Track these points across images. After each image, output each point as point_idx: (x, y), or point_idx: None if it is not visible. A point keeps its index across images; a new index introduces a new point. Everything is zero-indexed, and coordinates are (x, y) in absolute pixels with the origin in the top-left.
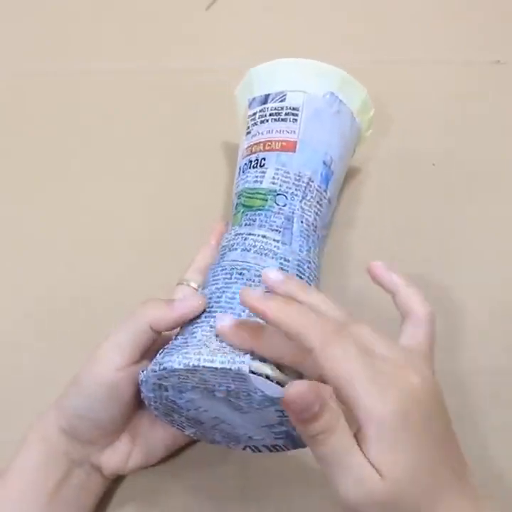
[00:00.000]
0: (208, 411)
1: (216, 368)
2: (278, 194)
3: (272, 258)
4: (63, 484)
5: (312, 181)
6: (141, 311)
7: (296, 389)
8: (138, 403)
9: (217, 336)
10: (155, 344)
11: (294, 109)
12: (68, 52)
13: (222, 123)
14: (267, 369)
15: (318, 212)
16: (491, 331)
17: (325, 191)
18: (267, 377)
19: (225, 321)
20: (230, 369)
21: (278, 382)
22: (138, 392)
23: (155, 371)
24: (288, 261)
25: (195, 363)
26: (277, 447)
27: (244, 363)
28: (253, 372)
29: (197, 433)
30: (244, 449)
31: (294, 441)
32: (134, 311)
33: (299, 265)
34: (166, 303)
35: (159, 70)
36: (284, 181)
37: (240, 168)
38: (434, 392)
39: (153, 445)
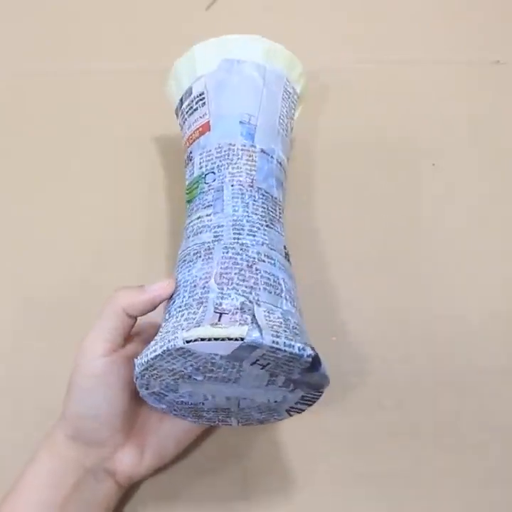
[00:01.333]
0: (215, 395)
1: (161, 354)
2: (206, 174)
3: (206, 232)
4: (75, 497)
5: (233, 145)
6: (114, 297)
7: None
8: (139, 397)
9: (165, 325)
10: (143, 334)
11: (200, 95)
12: (68, 52)
13: None
14: (198, 331)
15: (252, 168)
16: (491, 331)
17: (253, 146)
18: (202, 339)
19: None
20: (169, 349)
21: (216, 338)
22: (131, 379)
23: (135, 379)
24: (221, 226)
25: (144, 360)
26: (307, 397)
27: (178, 338)
28: (188, 342)
29: (240, 420)
30: (289, 414)
31: (303, 379)
32: (107, 299)
33: (234, 224)
34: (137, 287)
35: (159, 70)
36: (208, 160)
37: None
38: None
39: (165, 441)
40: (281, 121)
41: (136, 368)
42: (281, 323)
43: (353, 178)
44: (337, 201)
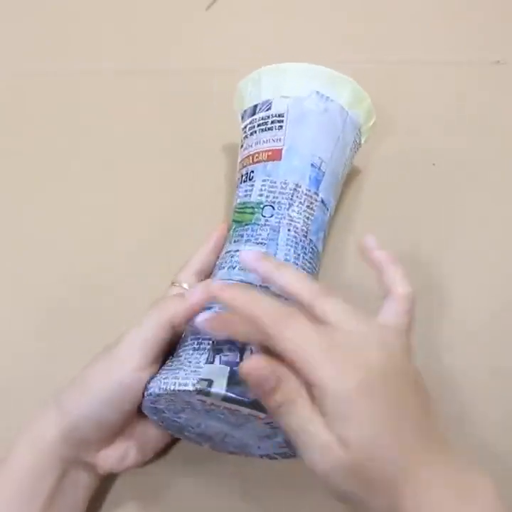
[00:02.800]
0: (208, 427)
1: (189, 391)
2: (265, 206)
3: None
4: (57, 488)
5: (299, 187)
6: (162, 307)
7: (250, 363)
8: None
9: (197, 357)
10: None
11: (279, 115)
12: (68, 52)
13: (223, 123)
14: (223, 381)
15: (310, 217)
16: (491, 331)
17: (316, 193)
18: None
19: (199, 316)
20: (197, 389)
21: (239, 394)
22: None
23: (144, 396)
24: None
25: (171, 388)
26: (287, 454)
27: (214, 385)
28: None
29: (214, 446)
30: (261, 457)
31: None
32: (152, 308)
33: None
34: (178, 296)
35: (159, 70)
36: (271, 192)
37: (236, 184)
38: (402, 368)
39: (148, 442)
40: (342, 173)
41: (156, 390)
42: None
43: (352, 178)
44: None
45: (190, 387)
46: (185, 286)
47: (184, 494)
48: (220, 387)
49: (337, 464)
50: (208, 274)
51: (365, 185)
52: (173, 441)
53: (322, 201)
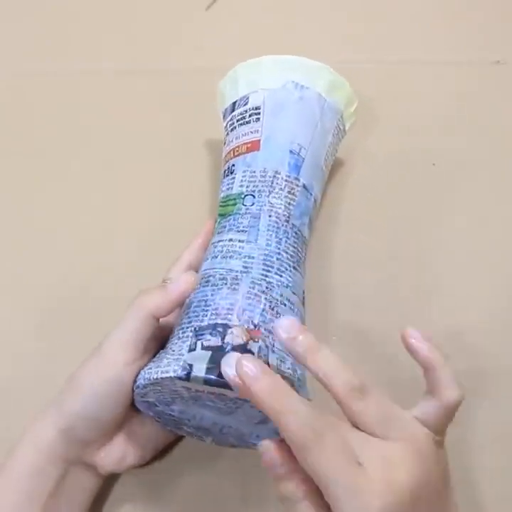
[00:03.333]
0: (203, 418)
1: (170, 377)
2: (246, 195)
3: (236, 259)
4: (59, 488)
5: (279, 173)
6: (140, 301)
7: (266, 446)
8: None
9: (180, 345)
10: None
11: (256, 108)
12: (68, 53)
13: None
14: (202, 365)
15: (291, 202)
16: (491, 331)
17: (297, 179)
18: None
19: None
20: (178, 376)
21: (219, 376)
22: None
23: (134, 390)
24: (252, 258)
25: (154, 376)
26: None
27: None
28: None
29: (214, 440)
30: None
31: None
32: (132, 303)
33: (265, 259)
34: (160, 289)
35: (159, 70)
36: (251, 181)
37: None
38: (434, 485)
39: (147, 442)
40: (326, 158)
41: (142, 381)
42: (290, 374)
43: (352, 178)
44: (336, 201)
45: (171, 374)
46: None
47: (185, 494)
48: (200, 371)
49: None
50: (197, 269)
51: (365, 185)
52: (175, 441)
53: (304, 186)
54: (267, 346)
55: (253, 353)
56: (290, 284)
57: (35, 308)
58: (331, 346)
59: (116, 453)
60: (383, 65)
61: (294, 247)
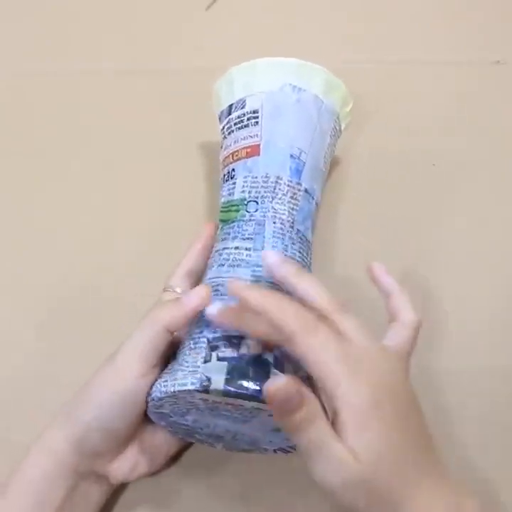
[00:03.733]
0: (216, 426)
1: (189, 390)
2: (249, 201)
3: (244, 267)
4: (68, 499)
5: (281, 178)
6: (155, 314)
7: (276, 384)
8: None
9: (194, 356)
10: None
11: (254, 112)
12: (68, 53)
13: None
14: (221, 377)
15: (294, 207)
16: (491, 331)
17: (299, 183)
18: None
19: (210, 308)
20: (196, 389)
21: (238, 387)
22: None
23: (148, 403)
24: (260, 266)
25: (171, 390)
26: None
27: (213, 381)
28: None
29: (225, 446)
30: (275, 452)
31: None
32: (147, 316)
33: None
34: (174, 302)
35: (159, 70)
36: (253, 187)
37: (220, 185)
38: (405, 388)
39: (158, 451)
40: (325, 160)
41: (158, 393)
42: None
43: (352, 178)
44: (336, 201)
45: (190, 386)
46: (178, 290)
47: (189, 501)
48: (218, 383)
49: (348, 477)
50: (198, 275)
51: (365, 185)
52: (186, 447)
53: (306, 190)
54: (282, 355)
55: (269, 363)
56: None
57: (35, 308)
58: None
59: (128, 463)
60: (383, 65)
61: (300, 252)
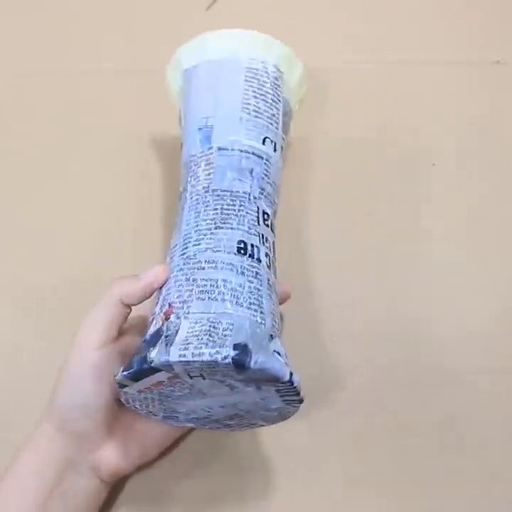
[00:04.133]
0: (191, 409)
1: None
2: (181, 194)
3: (168, 256)
4: (57, 490)
5: (193, 155)
6: (110, 288)
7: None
8: None
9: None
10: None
11: (180, 110)
12: (68, 53)
13: None
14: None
15: (210, 171)
16: (491, 331)
17: (210, 148)
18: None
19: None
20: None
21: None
22: None
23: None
24: (175, 246)
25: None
26: (282, 393)
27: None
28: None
29: (205, 426)
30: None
31: (248, 378)
32: (104, 290)
33: (184, 239)
34: (132, 276)
35: (159, 70)
36: (181, 179)
37: None
38: None
39: (148, 439)
40: (245, 105)
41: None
42: (205, 331)
43: (352, 178)
44: (336, 201)
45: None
46: None
47: (180, 495)
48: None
49: None
50: None
51: (365, 185)
52: (181, 438)
53: (219, 148)
54: (178, 317)
55: (162, 333)
56: (210, 246)
57: (35, 308)
58: (330, 346)
59: (118, 450)
60: (383, 65)
61: (216, 209)
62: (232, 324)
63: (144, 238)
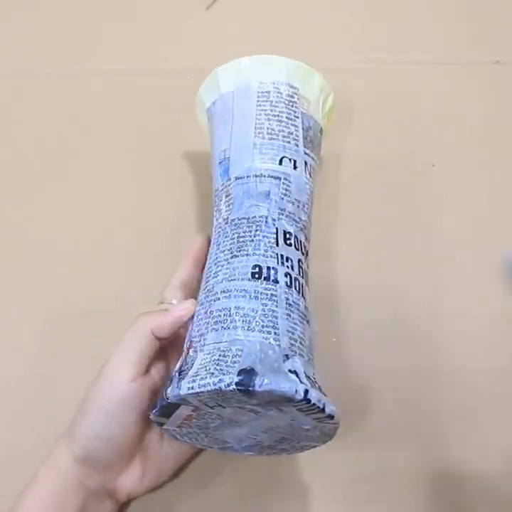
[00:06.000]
0: (220, 429)
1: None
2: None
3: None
4: None
5: (217, 190)
6: (141, 320)
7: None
8: (146, 421)
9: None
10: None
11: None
12: (68, 53)
13: None
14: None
15: (229, 202)
16: (491, 331)
17: (228, 179)
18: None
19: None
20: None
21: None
22: (147, 407)
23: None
24: (202, 281)
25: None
26: (308, 413)
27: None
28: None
29: (231, 449)
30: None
31: (258, 400)
32: (133, 323)
33: (207, 273)
34: (161, 310)
35: (159, 70)
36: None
37: None
38: None
39: (164, 461)
40: (259, 130)
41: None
42: (214, 361)
43: (352, 178)
44: (336, 201)
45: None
46: (174, 301)
47: (182, 508)
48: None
49: None
50: (192, 286)
51: (365, 185)
52: (193, 457)
53: (236, 178)
54: (195, 351)
55: (182, 369)
56: (226, 276)
57: (35, 309)
58: (331, 347)
59: (135, 474)
60: (383, 65)
61: (233, 238)
62: (242, 350)
63: (146, 239)
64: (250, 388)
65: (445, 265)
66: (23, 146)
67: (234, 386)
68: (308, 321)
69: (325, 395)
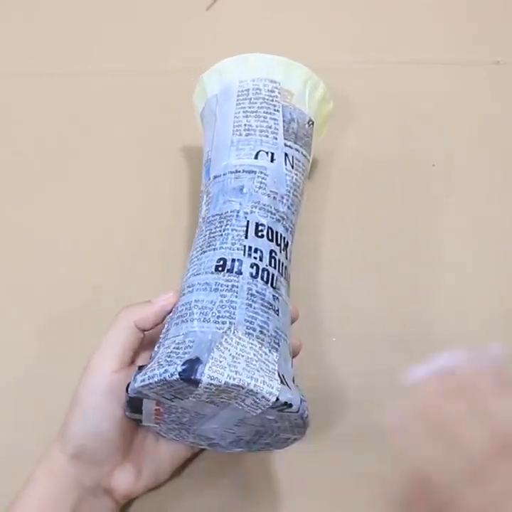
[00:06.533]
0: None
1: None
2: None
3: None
4: None
5: (201, 191)
6: (124, 313)
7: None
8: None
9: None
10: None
11: None
12: (68, 53)
13: None
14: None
15: (208, 200)
16: (491, 331)
17: (209, 179)
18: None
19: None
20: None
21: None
22: None
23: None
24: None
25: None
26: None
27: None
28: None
29: (217, 447)
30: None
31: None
32: (116, 316)
33: (184, 275)
34: (144, 302)
35: (159, 70)
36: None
37: None
38: None
39: (161, 460)
40: (236, 127)
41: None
42: (167, 353)
43: (351, 178)
44: (336, 201)
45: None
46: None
47: (187, 502)
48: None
49: None
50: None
51: (364, 185)
52: (192, 458)
53: (215, 177)
54: (158, 347)
55: (147, 365)
56: (194, 271)
57: (35, 308)
58: (330, 347)
59: (131, 473)
60: (383, 65)
61: (205, 234)
62: (193, 341)
63: (144, 238)
64: (191, 377)
65: (445, 265)
66: (23, 146)
67: (177, 376)
68: (276, 311)
69: (286, 385)
